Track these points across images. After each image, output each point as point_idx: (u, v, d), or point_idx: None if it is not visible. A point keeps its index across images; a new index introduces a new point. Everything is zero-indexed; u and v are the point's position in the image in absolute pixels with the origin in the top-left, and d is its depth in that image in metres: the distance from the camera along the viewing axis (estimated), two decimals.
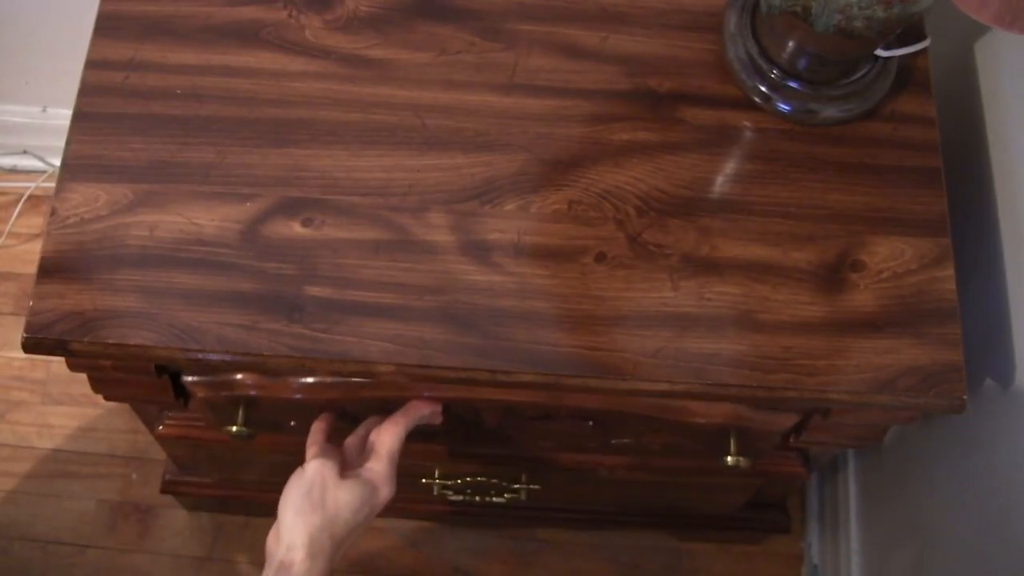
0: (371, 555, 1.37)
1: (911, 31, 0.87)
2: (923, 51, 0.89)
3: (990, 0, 0.66)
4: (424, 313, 0.79)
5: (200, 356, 0.78)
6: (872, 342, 0.80)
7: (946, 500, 1.03)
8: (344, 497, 0.80)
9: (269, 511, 0.83)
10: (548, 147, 0.86)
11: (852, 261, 0.83)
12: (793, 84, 0.86)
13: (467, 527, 1.38)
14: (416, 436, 0.87)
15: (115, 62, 0.87)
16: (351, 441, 0.87)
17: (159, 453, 1.31)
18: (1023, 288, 0.86)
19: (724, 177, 0.86)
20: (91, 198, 0.82)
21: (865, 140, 0.87)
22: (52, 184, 1.43)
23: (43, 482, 1.40)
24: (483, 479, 1.09)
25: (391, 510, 1.24)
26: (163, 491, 1.30)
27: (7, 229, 1.51)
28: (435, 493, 1.11)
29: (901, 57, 0.87)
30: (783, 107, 0.87)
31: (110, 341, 0.77)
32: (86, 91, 0.86)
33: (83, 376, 0.88)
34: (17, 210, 1.51)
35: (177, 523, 1.39)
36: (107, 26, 0.88)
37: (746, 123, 0.88)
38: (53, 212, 0.81)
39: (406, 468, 0.88)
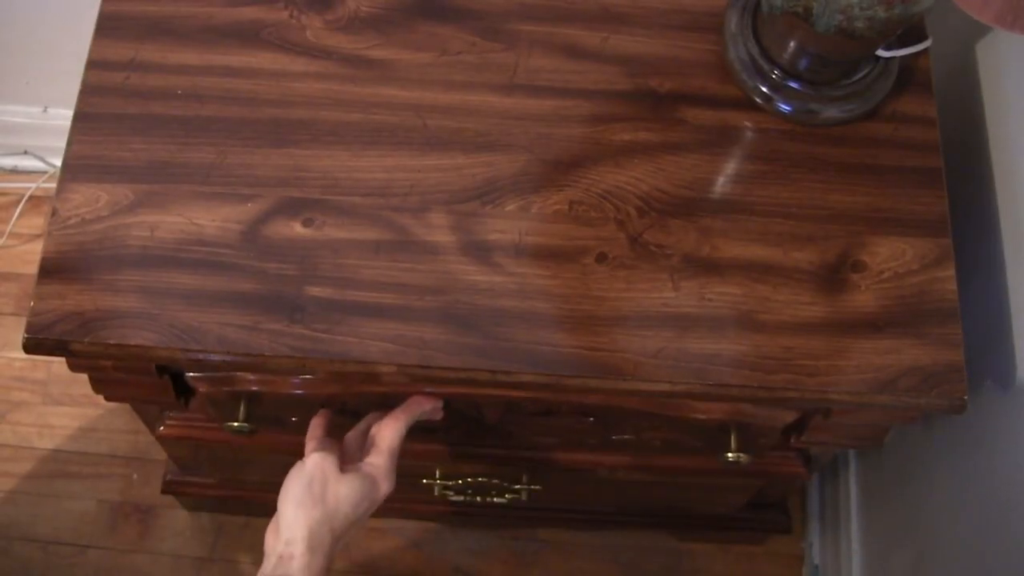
0: (372, 555, 1.37)
1: (912, 31, 0.87)
2: (924, 51, 0.89)
3: (992, 0, 0.66)
4: (425, 313, 0.79)
5: (201, 356, 0.78)
6: (873, 342, 0.80)
7: (946, 500, 1.03)
8: (344, 491, 0.80)
9: (270, 511, 0.83)
10: (549, 147, 0.86)
11: (853, 261, 0.83)
12: (794, 84, 0.86)
13: (468, 527, 1.38)
14: (416, 433, 0.87)
15: (116, 62, 0.87)
16: (351, 436, 0.87)
17: (160, 453, 1.31)
18: (1023, 288, 0.86)
19: (725, 177, 0.86)
20: (92, 198, 0.82)
21: (866, 140, 0.87)
22: (53, 184, 1.44)
23: (44, 482, 1.40)
24: (484, 479, 1.09)
25: (392, 510, 1.25)
26: (164, 491, 1.30)
27: (8, 229, 1.51)
28: (436, 493, 1.11)
29: (902, 57, 0.87)
30: (784, 107, 0.87)
31: (111, 341, 0.77)
32: (87, 91, 0.86)
33: (84, 377, 0.88)
34: (18, 210, 1.51)
35: (178, 523, 1.39)
36: (108, 26, 0.88)
37: (747, 123, 0.88)
38: (54, 212, 0.81)
39: (407, 468, 0.88)
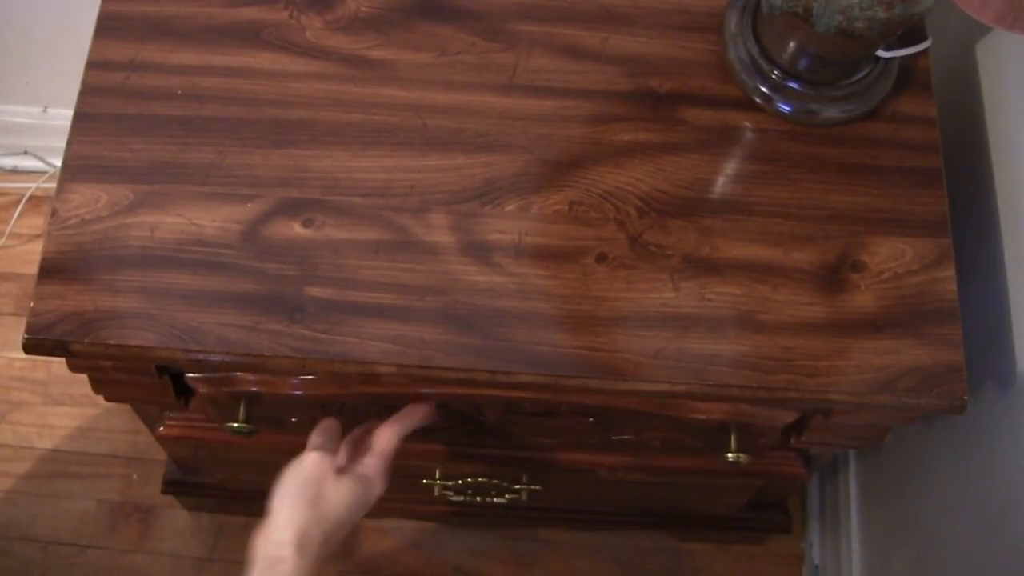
0: (372, 555, 1.37)
1: (912, 32, 0.87)
2: (924, 52, 0.89)
3: (992, 0, 0.66)
4: (425, 314, 0.79)
5: (201, 357, 0.78)
6: (873, 343, 0.80)
7: (946, 500, 1.03)
8: (339, 494, 0.80)
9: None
10: (549, 148, 0.86)
11: (853, 262, 0.83)
12: (794, 85, 0.86)
13: (468, 527, 1.38)
14: (417, 433, 0.88)
15: (116, 63, 0.87)
16: (348, 440, 0.87)
17: (160, 454, 1.31)
18: (1023, 288, 0.86)
19: (725, 177, 0.86)
20: (92, 199, 0.82)
21: (866, 141, 0.87)
22: (53, 185, 1.44)
23: (44, 482, 1.40)
24: (484, 479, 1.09)
25: (392, 510, 1.25)
26: (164, 492, 1.30)
27: (8, 230, 1.51)
28: (436, 493, 1.11)
29: (902, 58, 0.87)
30: (784, 108, 0.87)
31: (111, 342, 0.77)
32: (87, 91, 0.86)
33: (84, 377, 0.88)
34: (18, 211, 1.51)
35: (178, 523, 1.39)
36: (108, 27, 0.88)
37: (747, 124, 0.88)
38: (54, 213, 0.81)
39: (407, 468, 0.88)
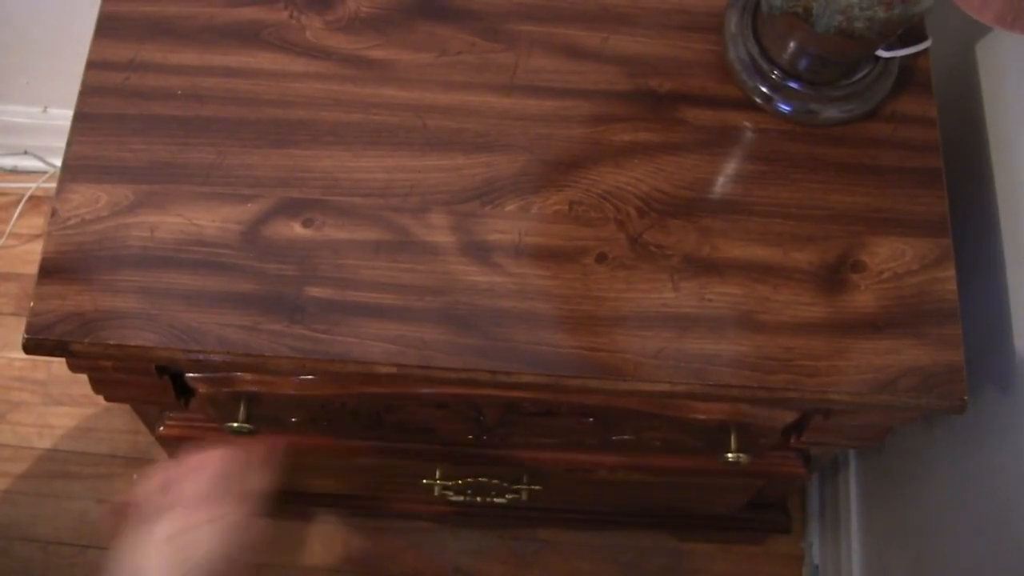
0: (372, 555, 1.37)
1: (912, 32, 0.87)
2: (924, 52, 0.89)
3: (992, 0, 0.66)
4: (425, 314, 0.79)
5: (201, 357, 0.78)
6: (873, 343, 0.80)
7: (946, 500, 1.03)
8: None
9: (269, 511, 0.83)
10: (549, 148, 0.86)
11: (853, 262, 0.83)
12: (794, 85, 0.86)
13: (468, 527, 1.38)
14: (417, 433, 0.87)
15: (116, 63, 0.87)
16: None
17: (160, 454, 1.31)
18: (1023, 288, 0.86)
19: (725, 178, 0.86)
20: (92, 199, 0.82)
21: (866, 141, 0.87)
22: (53, 185, 1.44)
23: (44, 482, 1.40)
24: (484, 479, 1.09)
25: (392, 510, 1.24)
26: None
27: (8, 230, 1.51)
28: (436, 493, 1.11)
29: (902, 58, 0.87)
30: (784, 108, 0.87)
31: (111, 342, 0.77)
32: (87, 92, 0.86)
33: (84, 377, 0.88)
34: (18, 211, 1.51)
35: None
36: (108, 27, 0.88)
37: (747, 124, 0.88)
38: (54, 213, 0.81)
39: (407, 468, 0.88)
